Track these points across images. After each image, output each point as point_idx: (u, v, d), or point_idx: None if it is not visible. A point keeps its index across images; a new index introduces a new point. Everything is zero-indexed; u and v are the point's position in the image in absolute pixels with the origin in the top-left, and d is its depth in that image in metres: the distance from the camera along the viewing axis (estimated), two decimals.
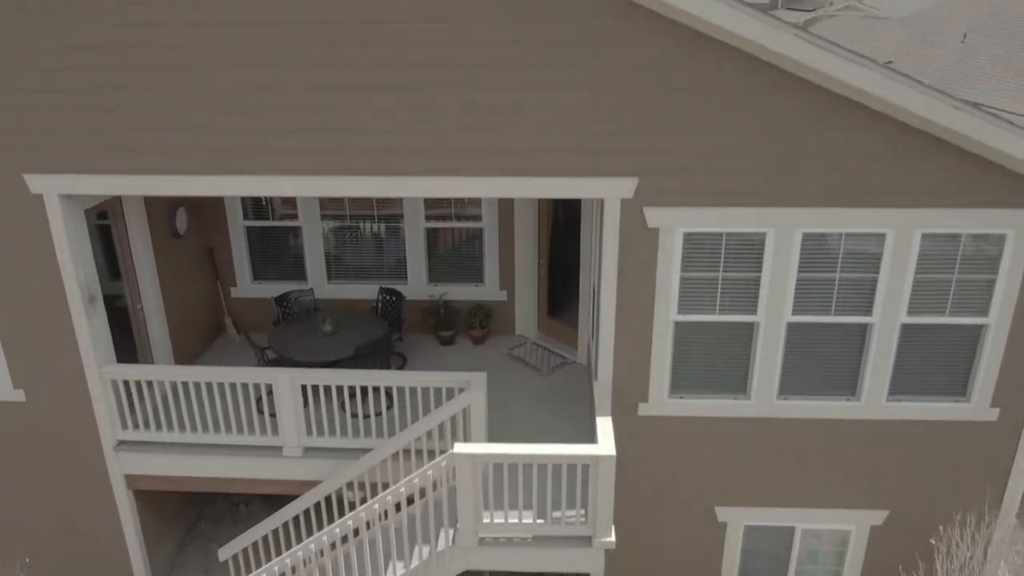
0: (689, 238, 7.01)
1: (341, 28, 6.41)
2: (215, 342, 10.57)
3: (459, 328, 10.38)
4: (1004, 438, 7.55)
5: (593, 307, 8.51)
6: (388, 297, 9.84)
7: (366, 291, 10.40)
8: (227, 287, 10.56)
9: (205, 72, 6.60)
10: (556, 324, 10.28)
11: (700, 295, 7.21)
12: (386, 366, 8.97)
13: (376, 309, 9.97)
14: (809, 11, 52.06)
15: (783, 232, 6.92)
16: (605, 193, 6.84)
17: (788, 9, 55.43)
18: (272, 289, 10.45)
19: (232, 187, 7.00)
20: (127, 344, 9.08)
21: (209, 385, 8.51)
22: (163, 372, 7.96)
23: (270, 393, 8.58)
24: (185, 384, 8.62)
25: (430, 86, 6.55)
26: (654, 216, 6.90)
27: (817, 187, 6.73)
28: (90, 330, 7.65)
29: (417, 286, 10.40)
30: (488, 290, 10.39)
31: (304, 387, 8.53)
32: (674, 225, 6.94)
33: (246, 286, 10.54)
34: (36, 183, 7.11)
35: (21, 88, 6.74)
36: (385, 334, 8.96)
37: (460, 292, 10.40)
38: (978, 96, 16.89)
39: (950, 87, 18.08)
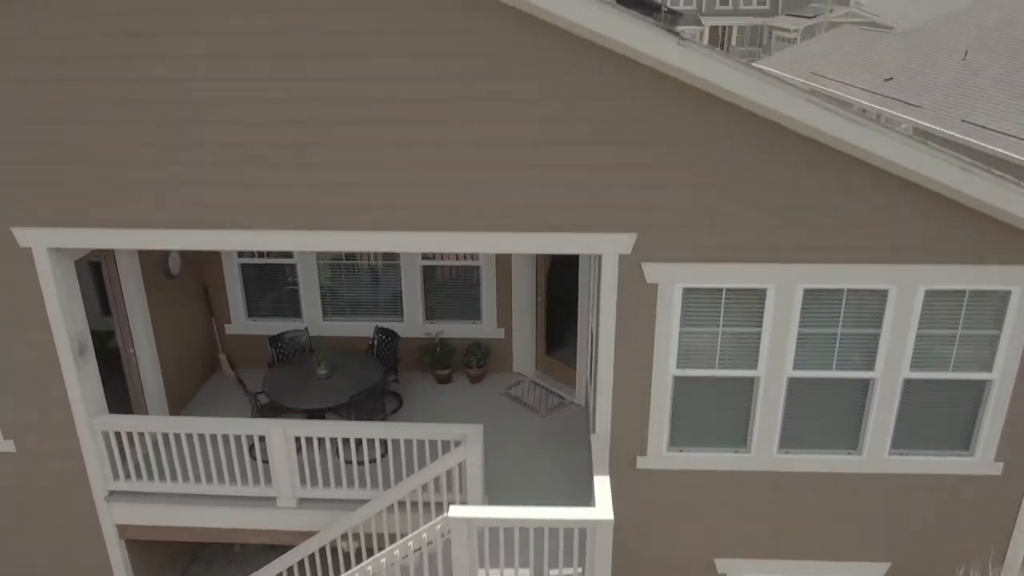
0: (688, 293, 6.90)
1: (330, 85, 6.30)
2: (209, 379, 10.46)
3: (456, 366, 10.27)
4: (1008, 492, 7.45)
5: (591, 353, 8.41)
6: (383, 337, 9.73)
7: (362, 328, 10.29)
8: (222, 324, 10.45)
9: (195, 128, 6.49)
10: (554, 363, 10.18)
11: (700, 350, 7.10)
12: (382, 409, 8.86)
13: (372, 349, 9.86)
14: (809, 18, 52.01)
15: (784, 288, 6.81)
16: (603, 249, 6.73)
17: (788, 15, 55.38)
18: (267, 326, 10.35)
19: (225, 242, 6.89)
20: (119, 387, 8.99)
21: (201, 435, 8.39)
22: (154, 423, 7.85)
23: (263, 438, 8.46)
24: (177, 434, 8.49)
25: (424, 142, 6.44)
26: (653, 272, 6.79)
27: (819, 243, 6.62)
28: (80, 381, 7.54)
29: (413, 324, 10.30)
30: (485, 328, 10.28)
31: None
32: (673, 280, 6.83)
33: (241, 323, 10.44)
34: (24, 236, 6.99)
35: (8, 142, 6.63)
36: (380, 379, 8.84)
37: (457, 329, 10.29)
38: (978, 117, 16.82)
39: (950, 106, 18.00)
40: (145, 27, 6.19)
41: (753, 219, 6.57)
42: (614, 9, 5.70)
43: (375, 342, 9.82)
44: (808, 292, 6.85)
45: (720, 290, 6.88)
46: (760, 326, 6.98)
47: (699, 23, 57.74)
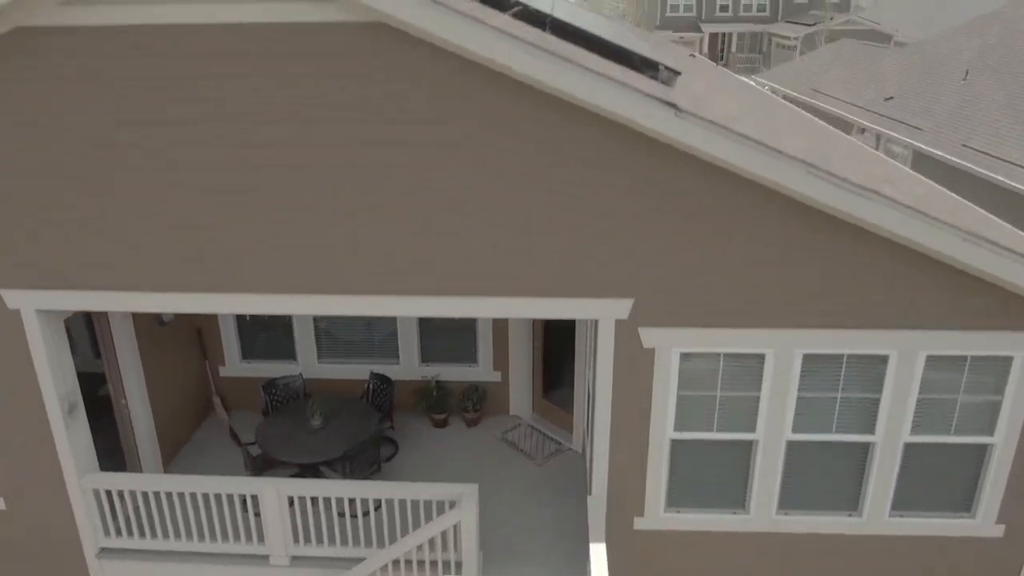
0: (686, 358, 6.81)
1: (321, 152, 6.22)
2: (204, 422, 10.35)
3: (452, 409, 10.17)
4: (1009, 555, 7.36)
5: (588, 409, 8.31)
6: (379, 383, 9.62)
7: (357, 371, 10.20)
8: (215, 367, 10.35)
9: (182, 193, 6.40)
10: (551, 407, 10.07)
11: (697, 413, 7.01)
12: (376, 460, 8.76)
13: (367, 394, 9.76)
14: (809, 25, 51.94)
15: (783, 353, 6.72)
16: (600, 314, 6.64)
17: (788, 22, 55.31)
18: (261, 368, 10.26)
19: (218, 304, 6.79)
20: (111, 434, 8.90)
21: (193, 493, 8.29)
22: (145, 482, 7.74)
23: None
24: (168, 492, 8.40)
25: (421, 207, 6.35)
26: (650, 337, 6.70)
27: (818, 309, 6.53)
28: (69, 439, 7.45)
29: (409, 367, 10.20)
30: (481, 371, 10.18)
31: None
32: (671, 345, 6.73)
33: (235, 365, 10.33)
34: (13, 298, 6.90)
35: None
36: (375, 429, 8.73)
37: (453, 372, 10.19)
38: (979, 142, 16.71)
39: (952, 129, 17.90)
40: (131, 97, 6.10)
41: (751, 284, 6.48)
42: (613, 83, 5.60)
43: (370, 387, 9.71)
44: (807, 357, 6.76)
45: (718, 355, 6.79)
46: (759, 390, 6.89)
47: (699, 30, 57.64)
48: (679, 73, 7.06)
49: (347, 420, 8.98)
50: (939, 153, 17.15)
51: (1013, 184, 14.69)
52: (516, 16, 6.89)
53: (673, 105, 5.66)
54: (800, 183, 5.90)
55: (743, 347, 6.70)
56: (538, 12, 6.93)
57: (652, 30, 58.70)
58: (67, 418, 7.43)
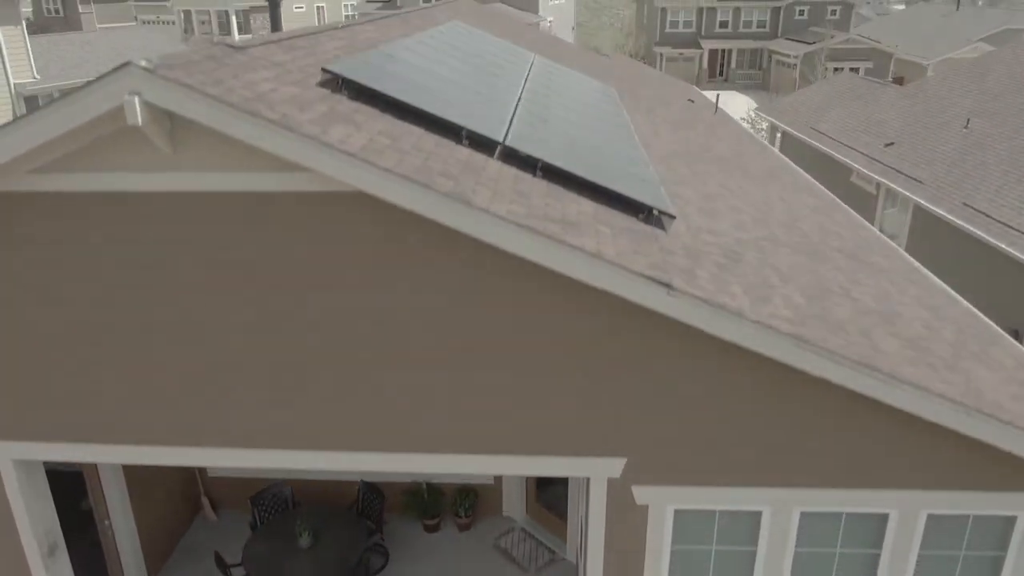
0: (680, 515, 6.63)
1: (297, 309, 6.05)
2: (192, 524, 10.18)
3: (445, 511, 10.00)
4: None
5: (581, 532, 8.14)
6: (368, 494, 9.45)
7: (347, 472, 10.02)
8: (203, 467, 10.17)
9: (160, 352, 6.23)
10: (545, 512, 9.90)
11: (693, 566, 6.83)
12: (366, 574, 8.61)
13: (356, 505, 9.58)
14: (809, 43, 51.72)
15: (780, 511, 6.54)
16: (592, 473, 6.47)
17: (788, 39, 55.09)
18: (250, 468, 10.07)
19: (202, 459, 6.61)
20: (96, 555, 8.73)
21: None
22: None
23: None
24: None
25: (407, 368, 6.19)
26: (643, 494, 6.52)
27: (815, 468, 6.36)
28: None
29: None
30: (474, 473, 9.99)
31: None
32: (664, 503, 6.56)
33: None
34: None
35: None
36: (365, 548, 8.56)
37: (445, 474, 10.02)
38: (980, 202, 16.54)
39: (953, 185, 17.72)
40: (106, 260, 5.94)
41: (746, 444, 6.31)
42: (605, 264, 5.43)
43: (360, 500, 9.53)
44: (805, 514, 6.58)
45: (713, 512, 6.61)
46: (755, 545, 6.71)
47: (698, 46, 57.44)
48: (674, 217, 6.89)
49: (336, 537, 8.80)
50: (939, 212, 16.98)
51: (1013, 252, 14.52)
52: (504, 159, 6.74)
53: (667, 284, 5.49)
54: (793, 358, 5.72)
55: (739, 504, 6.53)
56: (529, 156, 6.77)
57: (652, 47, 58.53)
58: (47, 560, 7.25)
